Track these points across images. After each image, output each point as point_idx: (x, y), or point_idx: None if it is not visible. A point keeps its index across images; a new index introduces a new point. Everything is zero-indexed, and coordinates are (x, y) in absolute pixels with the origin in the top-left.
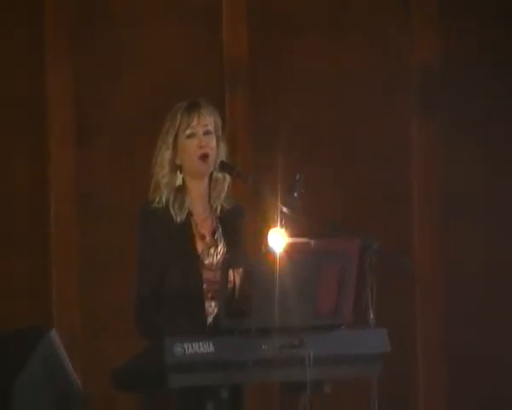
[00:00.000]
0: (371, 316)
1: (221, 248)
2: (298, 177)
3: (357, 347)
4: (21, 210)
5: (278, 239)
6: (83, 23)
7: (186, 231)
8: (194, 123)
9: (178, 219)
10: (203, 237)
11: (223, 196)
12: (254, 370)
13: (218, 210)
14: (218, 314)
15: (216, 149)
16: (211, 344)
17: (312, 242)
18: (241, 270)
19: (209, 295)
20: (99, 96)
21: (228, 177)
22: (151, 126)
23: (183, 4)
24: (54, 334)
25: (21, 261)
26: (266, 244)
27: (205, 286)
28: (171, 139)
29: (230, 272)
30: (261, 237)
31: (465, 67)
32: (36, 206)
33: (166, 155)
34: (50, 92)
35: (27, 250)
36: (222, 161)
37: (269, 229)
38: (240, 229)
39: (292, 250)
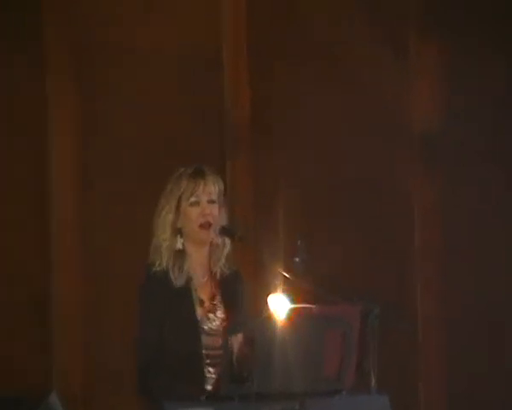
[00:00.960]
0: (373, 381)
1: (220, 313)
2: (299, 242)
3: None
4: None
5: (279, 304)
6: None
7: (186, 296)
8: (199, 191)
9: (178, 284)
10: (202, 303)
11: (222, 260)
12: None
13: (218, 275)
14: (217, 380)
15: (218, 217)
16: None
17: (314, 307)
18: (239, 335)
19: (208, 361)
20: (100, 151)
21: (228, 242)
22: (150, 185)
23: (185, 68)
24: (53, 397)
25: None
26: (267, 309)
27: (204, 352)
28: (174, 203)
29: (230, 338)
30: (261, 302)
31: (466, 118)
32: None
33: (168, 218)
34: (54, 140)
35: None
36: (222, 226)
37: (269, 294)
38: (239, 294)
39: (294, 315)
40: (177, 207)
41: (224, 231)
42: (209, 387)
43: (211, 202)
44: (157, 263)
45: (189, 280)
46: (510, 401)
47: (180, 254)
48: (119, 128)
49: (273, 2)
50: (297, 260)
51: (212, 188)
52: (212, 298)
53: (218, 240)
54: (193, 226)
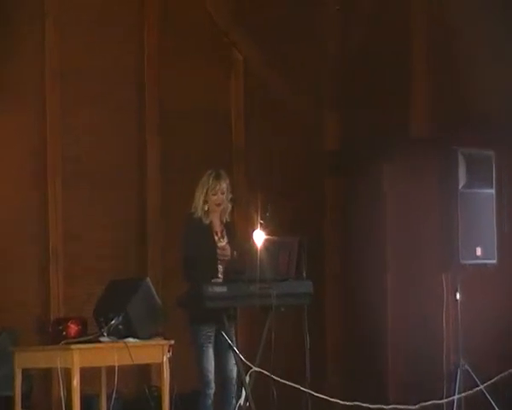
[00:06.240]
0: (304, 274)
1: (225, 239)
2: (268, 206)
3: (297, 289)
4: None
5: (258, 236)
6: None
7: (209, 230)
8: (217, 189)
9: (206, 223)
10: (217, 233)
11: (227, 215)
12: (247, 299)
13: (224, 221)
14: (225, 271)
15: (226, 198)
16: (225, 287)
17: (276, 238)
18: (234, 252)
19: (219, 261)
20: None
21: (230, 207)
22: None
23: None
24: (148, 280)
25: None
26: (253, 238)
27: (218, 257)
28: (204, 191)
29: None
30: (249, 234)
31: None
32: None
33: (201, 198)
34: None
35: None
36: (231, 198)
37: (253, 230)
38: (233, 231)
39: (265, 242)
40: (206, 193)
41: (232, 201)
42: (220, 275)
43: (222, 193)
44: (195, 214)
45: (210, 223)
46: None
47: (206, 211)
48: None
49: None
50: (267, 214)
51: (224, 186)
52: (222, 231)
53: (227, 205)
54: (213, 205)
